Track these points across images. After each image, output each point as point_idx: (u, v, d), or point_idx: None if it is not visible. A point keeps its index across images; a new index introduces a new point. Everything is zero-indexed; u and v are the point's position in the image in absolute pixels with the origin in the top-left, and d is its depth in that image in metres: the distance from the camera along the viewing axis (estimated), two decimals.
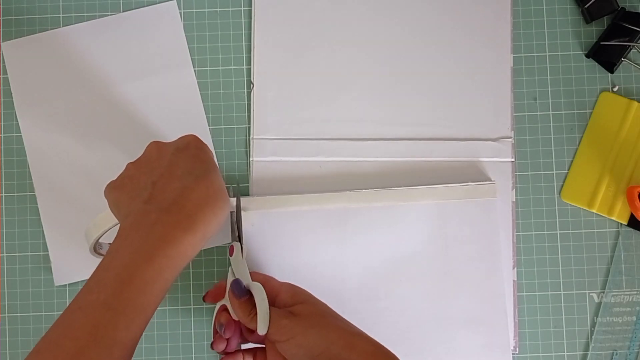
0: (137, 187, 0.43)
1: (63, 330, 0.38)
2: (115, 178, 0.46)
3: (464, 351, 0.53)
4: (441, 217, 0.54)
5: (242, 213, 0.53)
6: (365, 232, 0.54)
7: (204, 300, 0.50)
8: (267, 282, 0.48)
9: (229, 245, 0.51)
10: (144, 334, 0.54)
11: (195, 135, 0.47)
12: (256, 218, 0.54)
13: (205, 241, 0.43)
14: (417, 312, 0.54)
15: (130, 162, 0.46)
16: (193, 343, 0.55)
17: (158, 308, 0.54)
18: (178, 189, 0.42)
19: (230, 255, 0.50)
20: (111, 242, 0.49)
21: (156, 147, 0.46)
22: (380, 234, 0.54)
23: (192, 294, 0.55)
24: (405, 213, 0.54)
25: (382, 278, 0.54)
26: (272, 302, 0.46)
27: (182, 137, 0.46)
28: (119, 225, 0.45)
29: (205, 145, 0.46)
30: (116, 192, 0.44)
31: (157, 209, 0.41)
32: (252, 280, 0.48)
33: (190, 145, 0.45)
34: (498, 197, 0.55)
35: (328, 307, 0.46)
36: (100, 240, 0.48)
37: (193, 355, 0.54)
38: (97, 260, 0.50)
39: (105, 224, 0.47)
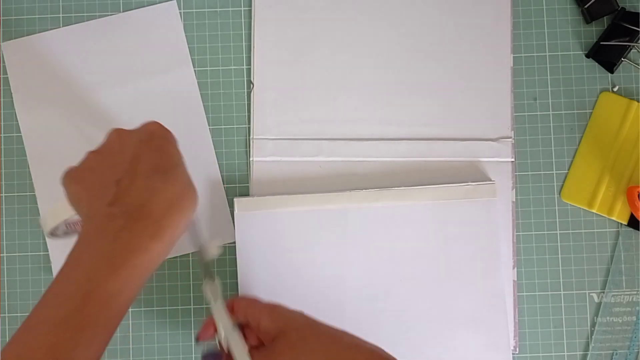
0: (100, 184, 0.40)
1: (19, 350, 0.35)
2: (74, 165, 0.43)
3: (464, 351, 0.53)
4: (441, 217, 0.54)
5: (243, 213, 0.53)
6: (365, 232, 0.54)
7: (197, 341, 0.46)
8: (250, 308, 0.45)
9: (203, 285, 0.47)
10: (144, 333, 0.54)
11: (158, 123, 0.43)
12: (256, 218, 0.54)
13: (172, 246, 0.40)
14: (417, 312, 0.54)
15: (91, 152, 0.42)
16: (193, 343, 0.54)
17: (158, 308, 0.55)
18: (144, 189, 0.39)
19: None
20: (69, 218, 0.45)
21: (118, 138, 0.42)
22: (380, 234, 0.54)
23: (192, 294, 0.55)
24: (405, 213, 0.54)
25: (382, 278, 0.54)
26: (257, 329, 0.44)
27: (144, 125, 0.43)
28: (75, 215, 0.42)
29: (169, 133, 0.43)
30: (76, 185, 0.41)
31: (123, 213, 0.38)
32: (236, 308, 0.45)
33: (154, 135, 0.42)
34: (498, 197, 0.55)
35: (309, 328, 0.43)
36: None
37: (193, 356, 0.54)
38: None
39: (64, 214, 0.44)
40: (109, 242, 0.37)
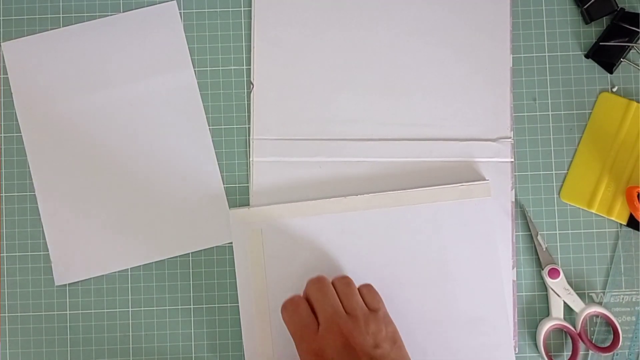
0: None
1: None
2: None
3: (466, 352, 0.53)
4: (438, 218, 0.54)
5: (239, 223, 0.53)
6: (363, 236, 0.54)
7: None
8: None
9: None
10: (144, 333, 0.54)
11: None
12: (252, 227, 0.54)
13: None
14: (418, 314, 0.54)
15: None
16: (193, 343, 0.55)
17: (158, 308, 0.55)
18: None
19: None
20: None
21: None
22: (378, 238, 0.54)
23: (192, 294, 0.55)
24: (402, 216, 0.54)
25: (382, 282, 0.54)
26: None
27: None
28: None
29: None
30: None
31: None
32: None
33: None
34: (497, 197, 0.55)
35: None
36: None
37: (193, 355, 0.54)
38: (95, 259, 0.50)
39: None
40: None
